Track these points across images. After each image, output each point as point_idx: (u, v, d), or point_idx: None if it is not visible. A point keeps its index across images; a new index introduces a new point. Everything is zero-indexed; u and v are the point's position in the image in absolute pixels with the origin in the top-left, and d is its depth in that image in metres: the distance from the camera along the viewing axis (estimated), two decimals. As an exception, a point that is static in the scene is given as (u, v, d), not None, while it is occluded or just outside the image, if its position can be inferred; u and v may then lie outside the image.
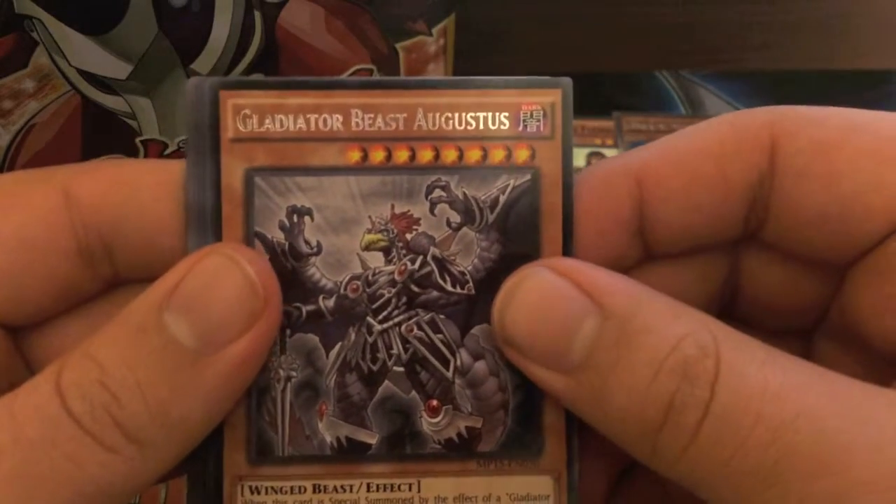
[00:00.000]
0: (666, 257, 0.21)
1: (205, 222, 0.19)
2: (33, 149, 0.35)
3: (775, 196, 0.19)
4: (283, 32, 0.36)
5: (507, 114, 0.19)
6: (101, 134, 0.35)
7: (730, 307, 0.22)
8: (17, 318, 0.20)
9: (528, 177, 0.20)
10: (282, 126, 0.19)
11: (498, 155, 0.20)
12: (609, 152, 0.52)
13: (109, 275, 0.20)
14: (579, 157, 0.52)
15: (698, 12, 0.61)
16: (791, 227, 0.20)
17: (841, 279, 0.20)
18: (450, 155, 0.19)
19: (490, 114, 0.19)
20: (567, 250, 0.19)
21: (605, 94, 0.56)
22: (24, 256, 0.19)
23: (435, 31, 0.40)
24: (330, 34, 0.37)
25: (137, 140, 0.36)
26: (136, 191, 0.19)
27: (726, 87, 0.57)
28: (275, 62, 0.36)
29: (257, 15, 0.35)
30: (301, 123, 0.19)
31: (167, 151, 0.37)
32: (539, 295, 0.18)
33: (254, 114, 0.19)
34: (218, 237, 0.19)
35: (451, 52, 0.42)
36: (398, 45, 0.39)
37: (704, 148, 0.20)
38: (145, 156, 0.37)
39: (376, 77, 0.20)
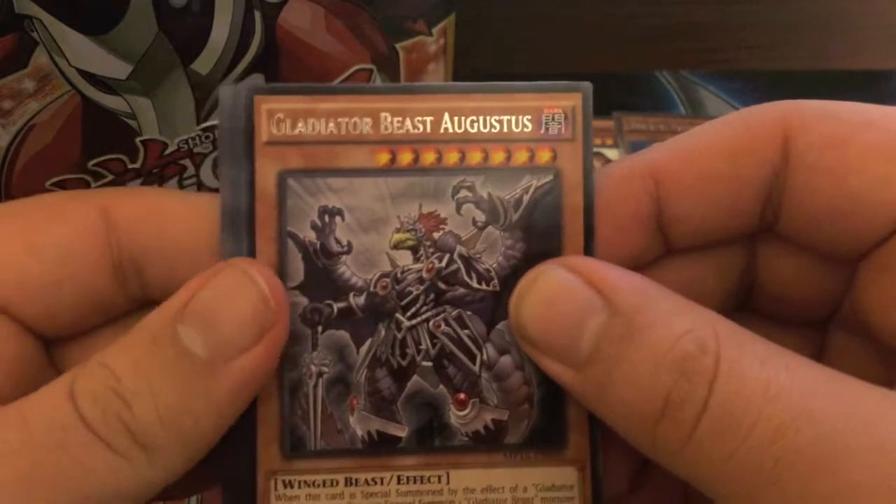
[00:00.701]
0: (685, 251, 0.21)
1: (239, 223, 0.20)
2: (33, 149, 0.35)
3: (788, 190, 0.20)
4: (283, 32, 0.36)
5: (529, 117, 0.20)
6: (101, 134, 0.35)
7: (746, 299, 0.22)
8: (51, 329, 0.20)
9: (550, 177, 0.20)
10: (313, 129, 0.20)
11: (521, 156, 0.20)
12: (609, 152, 0.52)
13: (139, 295, 0.21)
14: (579, 157, 0.52)
15: (698, 12, 0.61)
16: (803, 221, 0.20)
17: (853, 272, 0.20)
18: (475, 156, 0.20)
19: (513, 117, 0.20)
20: (588, 248, 0.20)
21: (605, 94, 0.56)
22: (61, 268, 0.19)
23: (435, 31, 0.40)
24: (330, 34, 0.37)
25: (137, 140, 0.36)
26: (169, 220, 0.20)
27: (726, 87, 0.57)
28: (275, 62, 0.36)
29: (257, 15, 0.35)
30: (332, 127, 0.20)
31: (167, 151, 0.37)
32: (551, 291, 0.19)
33: (287, 118, 0.20)
34: (252, 237, 0.20)
35: (451, 52, 0.42)
36: (398, 45, 0.39)
37: (718, 145, 0.20)
38: (145, 155, 0.37)
39: (404, 83, 0.21)
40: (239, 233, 0.20)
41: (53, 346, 0.21)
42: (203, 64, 0.35)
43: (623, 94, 0.56)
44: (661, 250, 0.21)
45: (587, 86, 0.20)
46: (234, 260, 0.19)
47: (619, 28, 0.61)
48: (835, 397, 0.16)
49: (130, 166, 0.36)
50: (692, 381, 0.17)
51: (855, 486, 0.15)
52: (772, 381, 0.16)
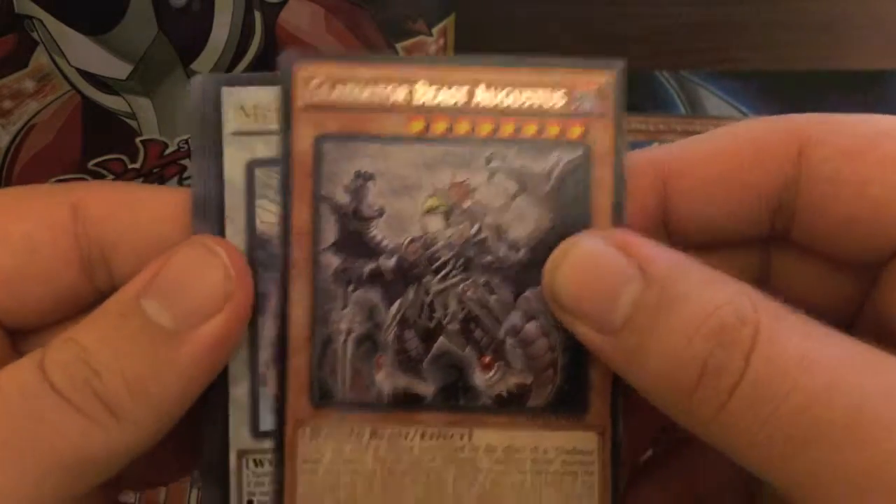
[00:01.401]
0: (698, 251, 0.21)
1: (210, 212, 0.20)
2: (33, 149, 0.35)
3: (802, 201, 0.20)
4: (283, 32, 0.36)
5: (562, 92, 0.20)
6: (101, 134, 0.35)
7: None
8: (18, 320, 0.20)
9: (581, 152, 0.20)
10: (350, 96, 0.20)
11: (553, 130, 0.21)
12: (609, 152, 0.52)
13: (107, 287, 0.21)
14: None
15: (698, 12, 0.61)
16: (820, 230, 0.20)
17: (874, 278, 0.21)
18: (507, 128, 0.20)
19: (547, 91, 0.20)
20: (617, 221, 0.20)
21: (605, 94, 0.56)
22: (29, 259, 0.20)
23: (435, 31, 0.40)
24: (330, 34, 0.37)
25: (137, 140, 0.36)
26: (138, 211, 0.21)
27: (726, 87, 0.57)
28: (275, 62, 0.36)
29: (257, 15, 0.35)
30: (368, 94, 0.20)
31: (167, 151, 0.37)
32: (588, 259, 0.19)
33: (324, 84, 0.20)
34: (221, 226, 0.20)
35: (451, 52, 0.42)
36: (398, 45, 0.39)
37: (728, 151, 0.20)
38: (145, 155, 0.37)
39: (440, 55, 0.21)
40: (210, 219, 0.20)
41: (20, 337, 0.21)
42: (203, 64, 0.35)
43: (623, 94, 0.56)
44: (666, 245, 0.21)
45: (621, 64, 0.21)
46: (193, 237, 0.20)
47: (619, 28, 0.61)
48: (871, 371, 0.16)
49: (130, 166, 0.36)
50: (729, 350, 0.17)
51: (889, 455, 0.15)
52: (808, 352, 0.16)
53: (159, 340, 0.18)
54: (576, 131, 0.21)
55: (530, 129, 0.21)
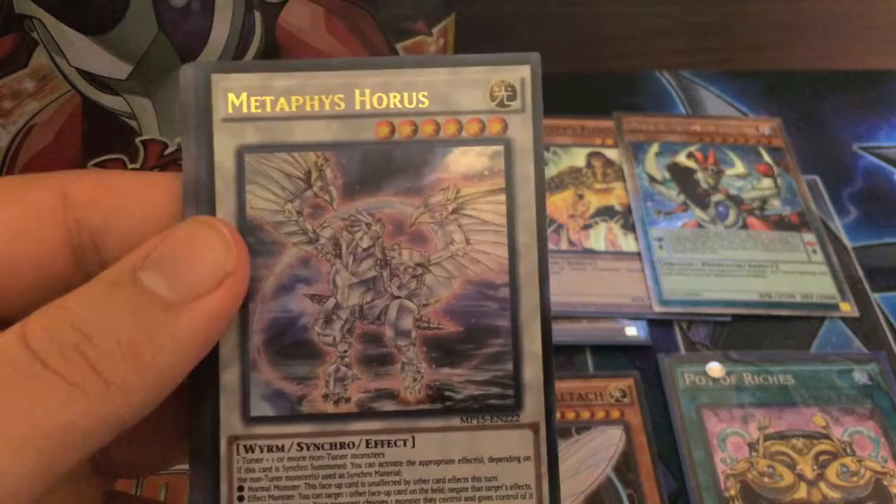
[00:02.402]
0: None
1: (201, 197, 0.20)
2: (33, 149, 0.35)
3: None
4: (283, 32, 0.36)
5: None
6: (101, 134, 0.35)
7: None
8: (8, 308, 0.20)
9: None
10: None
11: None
12: (609, 152, 0.52)
13: (97, 273, 0.20)
14: (579, 157, 0.52)
15: (698, 12, 0.61)
16: None
17: None
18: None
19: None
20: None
21: (605, 94, 0.56)
22: (17, 246, 0.20)
23: (435, 31, 0.40)
24: (330, 34, 0.37)
25: (137, 140, 0.36)
26: (125, 195, 0.20)
27: (726, 87, 0.57)
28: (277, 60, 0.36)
29: (257, 15, 0.35)
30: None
31: (167, 151, 0.37)
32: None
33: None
34: (213, 210, 0.20)
35: (451, 52, 0.42)
36: (398, 45, 0.39)
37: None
38: (145, 155, 0.37)
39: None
40: (201, 205, 0.20)
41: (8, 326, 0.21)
42: (203, 64, 0.35)
43: (623, 94, 0.56)
44: None
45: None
46: (194, 217, 0.20)
47: (620, 28, 0.61)
48: None
49: (130, 166, 0.36)
50: None
51: None
52: None
53: (157, 310, 0.18)
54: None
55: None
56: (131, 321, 0.18)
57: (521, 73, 0.21)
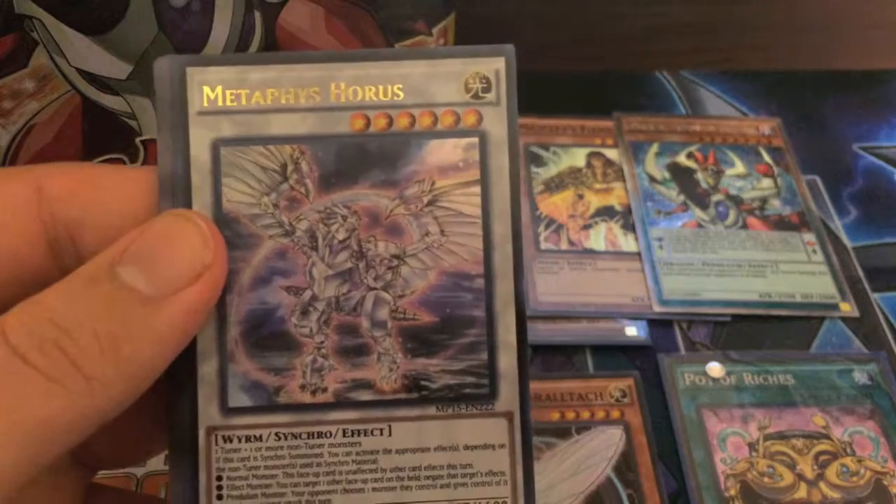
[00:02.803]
0: None
1: (177, 190, 0.21)
2: (33, 149, 0.35)
3: None
4: (283, 32, 0.36)
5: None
6: (101, 134, 0.35)
7: None
8: None
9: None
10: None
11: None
12: (609, 152, 0.52)
13: (75, 268, 0.20)
14: (579, 157, 0.52)
15: (698, 12, 0.61)
16: None
17: None
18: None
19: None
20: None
21: (605, 94, 0.56)
22: None
23: (435, 31, 0.40)
24: (330, 34, 0.37)
25: (137, 140, 0.36)
26: (101, 189, 0.20)
27: (726, 87, 0.57)
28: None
29: (257, 15, 0.35)
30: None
31: (167, 151, 0.37)
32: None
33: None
34: (189, 204, 0.20)
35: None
36: (398, 45, 0.39)
37: None
38: (145, 155, 0.37)
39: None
40: (177, 198, 0.20)
41: None
42: (203, 64, 0.35)
43: (623, 94, 0.56)
44: None
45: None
46: (171, 210, 0.20)
47: (619, 28, 0.61)
48: None
49: (131, 166, 0.36)
50: None
51: None
52: None
53: (136, 304, 0.18)
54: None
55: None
56: (110, 316, 0.18)
57: (495, 66, 0.21)
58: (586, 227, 0.48)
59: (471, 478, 0.21)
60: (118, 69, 0.34)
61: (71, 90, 0.34)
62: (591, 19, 0.60)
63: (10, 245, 0.20)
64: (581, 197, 0.49)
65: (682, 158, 0.52)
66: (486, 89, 0.21)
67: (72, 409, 0.17)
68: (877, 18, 0.62)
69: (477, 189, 0.21)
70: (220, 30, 0.35)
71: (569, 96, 0.55)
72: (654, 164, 0.51)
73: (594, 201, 0.49)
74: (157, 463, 0.36)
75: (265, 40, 0.36)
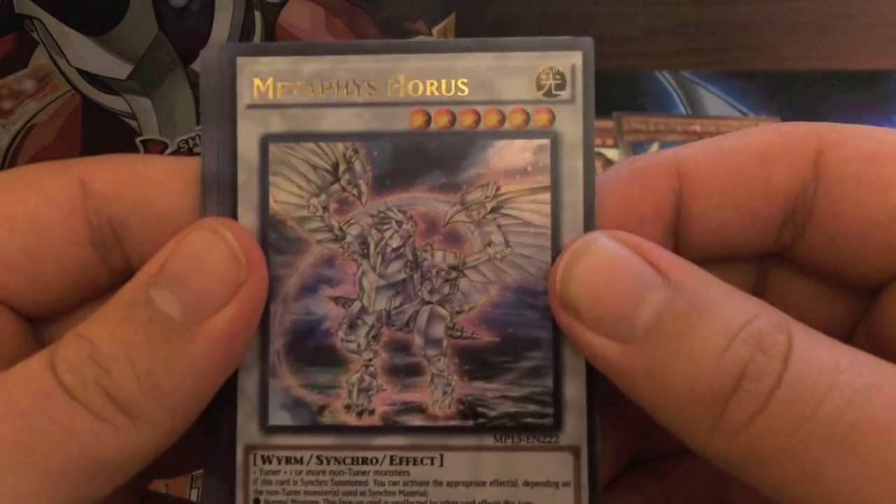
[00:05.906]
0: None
1: (222, 187, 0.19)
2: (33, 149, 0.35)
3: (819, 202, 0.19)
4: (283, 32, 0.36)
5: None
6: (101, 134, 0.35)
7: None
8: (33, 305, 0.20)
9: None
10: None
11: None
12: (609, 152, 0.52)
13: (123, 267, 0.20)
14: (579, 157, 0.52)
15: (698, 12, 0.61)
16: (834, 236, 0.19)
17: (872, 300, 0.20)
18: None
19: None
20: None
21: (605, 94, 0.56)
22: (37, 240, 0.19)
23: (435, 31, 0.40)
24: (330, 34, 0.37)
25: (137, 140, 0.36)
26: (146, 184, 0.19)
27: (726, 87, 0.57)
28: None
29: (257, 15, 0.35)
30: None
31: (167, 151, 0.37)
32: (605, 262, 0.18)
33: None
34: (234, 201, 0.19)
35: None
36: (398, 45, 0.39)
37: (750, 147, 0.19)
38: (145, 156, 0.37)
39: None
40: (222, 196, 0.19)
41: (42, 326, 0.20)
42: (203, 64, 0.35)
43: (623, 94, 0.56)
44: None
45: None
46: (202, 220, 0.19)
47: (619, 28, 0.61)
48: None
49: (130, 166, 0.36)
50: (769, 354, 0.16)
51: None
52: (840, 358, 0.16)
53: (170, 333, 0.17)
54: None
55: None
56: (147, 349, 0.17)
57: (571, 60, 0.19)
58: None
59: None
60: (118, 69, 0.34)
61: (71, 90, 0.34)
62: (591, 19, 0.60)
63: (56, 246, 0.19)
64: (581, 197, 0.49)
65: (682, 158, 0.52)
66: (561, 86, 0.19)
67: (121, 449, 0.17)
68: (877, 18, 0.62)
69: (546, 196, 0.19)
70: (220, 30, 0.35)
71: (569, 96, 0.55)
72: (654, 164, 0.51)
73: (594, 201, 0.49)
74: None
75: (265, 40, 0.36)
